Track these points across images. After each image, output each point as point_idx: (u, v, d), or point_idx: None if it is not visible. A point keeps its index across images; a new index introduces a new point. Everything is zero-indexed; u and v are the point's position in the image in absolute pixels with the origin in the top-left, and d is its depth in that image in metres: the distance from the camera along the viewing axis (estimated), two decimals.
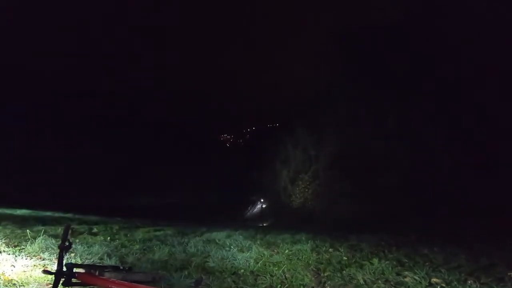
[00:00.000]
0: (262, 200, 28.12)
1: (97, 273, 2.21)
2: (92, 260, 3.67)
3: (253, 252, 5.41)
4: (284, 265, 4.88)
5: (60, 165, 26.47)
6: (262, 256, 5.19)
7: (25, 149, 24.51)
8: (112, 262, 3.67)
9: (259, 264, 4.70)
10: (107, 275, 2.19)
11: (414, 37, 9.28)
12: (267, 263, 4.88)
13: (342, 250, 6.33)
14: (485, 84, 7.64)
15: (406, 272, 3.96)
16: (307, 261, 5.40)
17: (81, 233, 6.03)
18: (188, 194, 30.27)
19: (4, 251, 3.68)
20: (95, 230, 6.74)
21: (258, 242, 5.95)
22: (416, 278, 3.68)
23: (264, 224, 18.05)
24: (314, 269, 4.54)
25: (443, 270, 3.96)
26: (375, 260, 4.62)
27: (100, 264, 3.38)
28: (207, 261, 4.42)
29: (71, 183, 25.12)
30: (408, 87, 9.51)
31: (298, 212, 17.66)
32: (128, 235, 6.22)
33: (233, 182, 33.42)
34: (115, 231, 6.72)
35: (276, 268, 4.64)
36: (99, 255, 3.91)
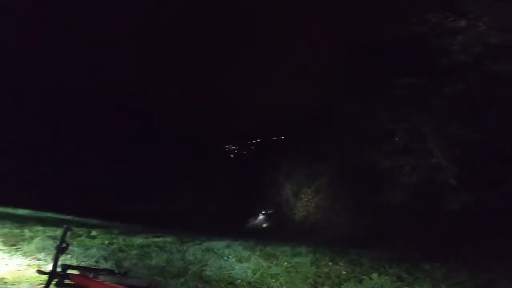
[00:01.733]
0: (263, 212, 27.89)
1: (91, 275, 2.18)
2: (88, 262, 3.64)
3: (251, 263, 5.33)
4: (282, 277, 4.79)
5: (64, 167, 26.61)
6: (260, 268, 5.11)
7: (31, 149, 24.73)
8: (108, 265, 3.63)
9: (256, 275, 4.62)
10: (101, 278, 2.16)
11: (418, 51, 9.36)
12: (265, 275, 4.79)
13: (342, 264, 6.22)
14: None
15: None
16: (306, 274, 5.30)
17: (80, 236, 6.00)
18: (189, 203, 30.10)
19: (1, 249, 3.66)
20: (93, 233, 6.72)
21: (257, 253, 5.87)
22: None
23: (264, 233, 17.80)
24: (312, 282, 4.45)
25: (443, 286, 3.85)
26: (375, 275, 4.52)
27: (95, 267, 3.36)
28: (205, 270, 4.36)
29: (73, 185, 25.17)
30: (416, 103, 9.51)
31: (299, 225, 17.43)
32: (127, 240, 6.17)
33: (236, 193, 33.26)
34: (114, 236, 6.69)
35: (274, 280, 4.55)
36: (95, 258, 3.87)
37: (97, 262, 3.76)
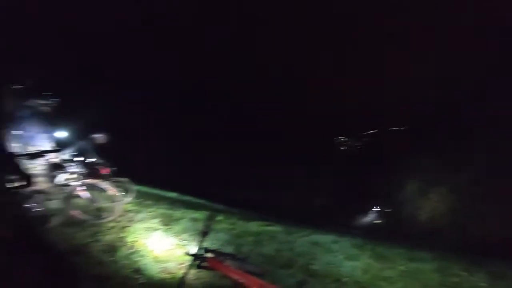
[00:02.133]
0: (377, 209, 25.69)
1: (220, 258, 2.68)
2: (216, 245, 4.41)
3: (361, 262, 5.19)
4: (397, 282, 4.49)
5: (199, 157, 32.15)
6: (371, 268, 4.92)
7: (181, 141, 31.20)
8: (230, 250, 4.33)
9: (367, 276, 4.50)
10: (227, 262, 2.64)
11: None
12: (376, 276, 4.60)
13: (480, 275, 5.22)
14: None
15: None
16: (427, 282, 4.77)
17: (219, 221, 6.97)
18: (298, 194, 31.00)
19: (158, 229, 4.78)
20: (219, 218, 7.89)
21: (368, 253, 5.64)
22: None
23: (373, 231, 16.53)
24: None
25: None
26: None
27: (225, 252, 3.93)
28: (312, 264, 4.55)
29: (204, 171, 30.13)
30: None
31: (422, 227, 15.25)
32: (244, 226, 7.02)
33: (347, 186, 31.99)
34: (234, 221, 7.71)
35: (386, 284, 4.32)
36: (221, 242, 4.66)
37: (222, 246, 4.52)
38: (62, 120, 5.15)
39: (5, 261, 2.05)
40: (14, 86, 2.58)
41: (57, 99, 4.58)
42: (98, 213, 4.94)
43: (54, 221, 4.16)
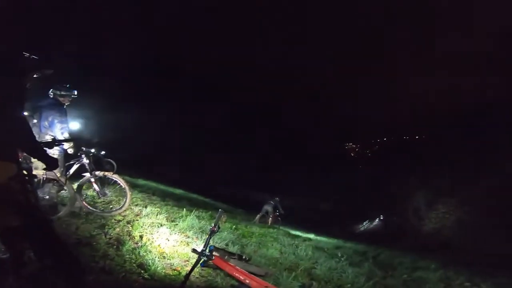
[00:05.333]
0: (382, 218, 25.46)
1: (225, 257, 2.70)
2: (220, 244, 4.44)
3: (364, 269, 5.16)
4: None
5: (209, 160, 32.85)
6: (374, 276, 4.89)
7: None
8: (235, 249, 4.34)
9: (369, 283, 4.47)
10: (232, 262, 2.65)
11: None
12: (378, 285, 4.57)
13: (485, 287, 5.15)
14: None
15: None
16: None
17: (213, 218, 7.13)
18: (303, 199, 31.06)
19: (164, 224, 4.79)
20: (226, 218, 7.96)
21: (371, 260, 5.60)
22: None
23: (376, 239, 16.41)
24: None
25: None
26: None
27: (231, 252, 3.85)
28: (315, 268, 4.54)
29: (212, 172, 30.58)
30: None
31: (427, 239, 15.03)
32: (248, 227, 7.07)
33: (352, 193, 31.87)
34: (238, 221, 7.78)
35: None
36: (226, 241, 4.68)
37: (227, 245, 4.54)
38: (79, 112, 5.27)
39: (14, 250, 2.10)
40: (35, 74, 2.65)
41: (76, 90, 4.68)
42: (107, 205, 5.03)
43: (63, 212, 4.24)
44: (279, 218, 10.83)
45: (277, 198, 11.07)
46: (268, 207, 10.48)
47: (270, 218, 10.31)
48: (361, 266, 5.25)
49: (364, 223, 26.99)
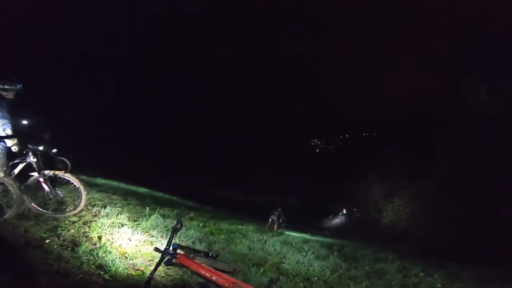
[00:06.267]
0: (345, 212, 26.75)
1: (191, 255, 2.58)
2: (186, 242, 4.30)
3: (329, 262, 5.32)
4: (362, 281, 4.65)
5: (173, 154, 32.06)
6: (339, 268, 5.06)
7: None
8: (202, 247, 4.23)
9: (335, 276, 4.61)
10: (198, 259, 2.54)
11: None
12: (343, 277, 4.74)
13: (437, 276, 5.58)
14: None
15: None
16: (390, 282, 5.00)
17: (191, 218, 6.85)
18: (271, 194, 31.53)
19: (126, 224, 4.54)
20: (191, 215, 7.73)
21: (336, 253, 5.80)
22: None
23: (341, 233, 17.24)
24: None
25: None
26: None
27: (197, 249, 3.78)
28: (283, 262, 4.60)
29: (179, 170, 29.84)
30: None
31: (386, 230, 16.07)
32: (216, 224, 6.95)
33: (317, 188, 33.02)
34: (206, 219, 7.61)
35: (353, 283, 4.46)
36: (193, 239, 4.54)
37: (193, 243, 4.40)
38: (25, 107, 4.75)
39: None
40: None
41: (21, 85, 4.22)
42: (59, 206, 4.60)
43: (9, 214, 3.82)
44: (283, 225, 13.27)
45: (280, 209, 13.19)
46: (273, 217, 12.82)
47: (276, 225, 12.68)
48: (327, 259, 5.41)
49: (329, 217, 28.11)
